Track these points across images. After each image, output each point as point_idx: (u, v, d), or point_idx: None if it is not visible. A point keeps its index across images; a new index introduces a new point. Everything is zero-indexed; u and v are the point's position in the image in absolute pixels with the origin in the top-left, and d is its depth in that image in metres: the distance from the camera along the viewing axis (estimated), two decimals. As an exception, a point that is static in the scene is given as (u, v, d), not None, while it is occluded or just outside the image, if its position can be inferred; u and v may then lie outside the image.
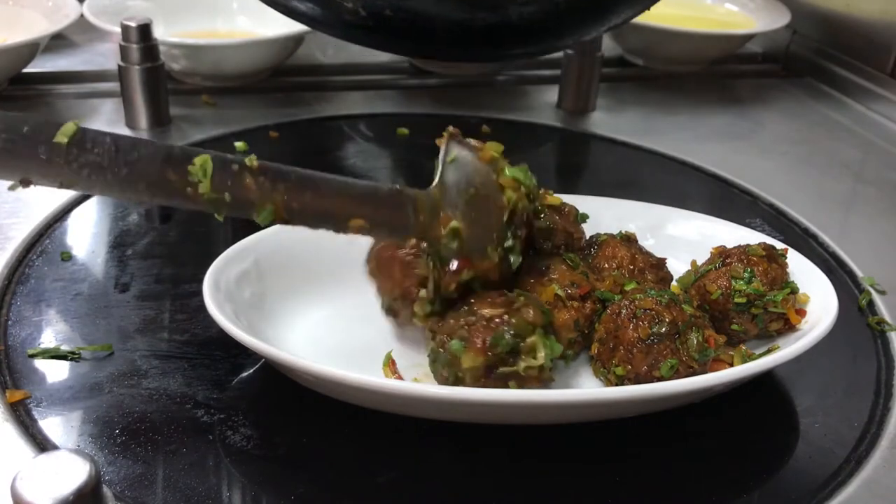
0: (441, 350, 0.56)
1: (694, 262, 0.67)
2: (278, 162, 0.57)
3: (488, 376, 0.54)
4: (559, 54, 1.06)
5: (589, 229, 0.70)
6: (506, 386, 0.54)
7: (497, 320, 0.55)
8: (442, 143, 0.60)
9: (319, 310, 0.65)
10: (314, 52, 1.21)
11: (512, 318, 0.55)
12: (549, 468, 0.55)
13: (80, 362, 0.61)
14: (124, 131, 0.97)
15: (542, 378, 0.54)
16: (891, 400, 0.62)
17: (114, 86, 1.01)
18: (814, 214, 0.86)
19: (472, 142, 0.61)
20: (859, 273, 0.77)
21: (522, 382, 0.54)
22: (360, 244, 0.65)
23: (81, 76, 1.11)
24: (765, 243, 0.65)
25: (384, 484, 0.53)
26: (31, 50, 1.00)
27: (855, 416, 0.60)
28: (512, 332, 0.54)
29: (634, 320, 0.57)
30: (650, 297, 0.58)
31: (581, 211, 0.70)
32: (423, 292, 0.59)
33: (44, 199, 0.81)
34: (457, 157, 0.59)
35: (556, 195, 0.69)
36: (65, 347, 0.62)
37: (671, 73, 1.23)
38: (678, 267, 0.68)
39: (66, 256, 0.73)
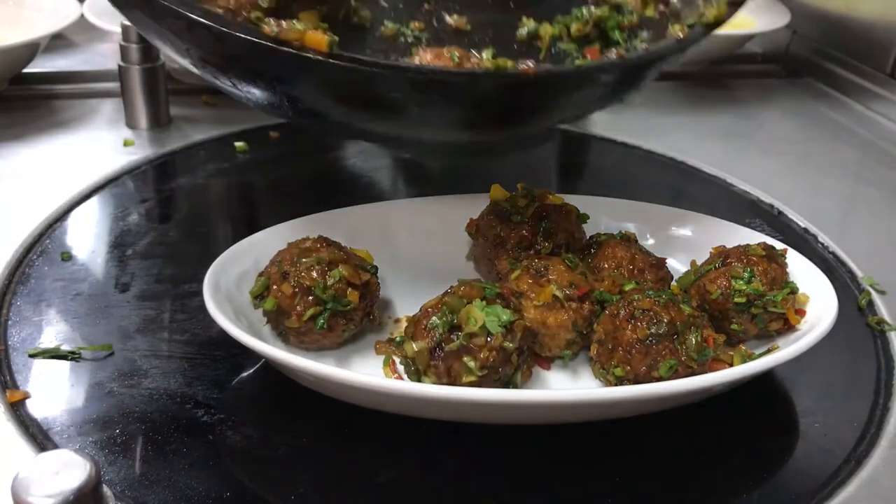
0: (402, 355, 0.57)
1: (694, 262, 0.67)
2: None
3: (437, 357, 0.54)
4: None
5: (589, 229, 0.70)
6: (461, 364, 0.54)
7: (434, 307, 0.56)
8: None
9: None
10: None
11: (445, 300, 0.56)
12: (549, 468, 0.55)
13: (80, 362, 0.61)
14: (124, 131, 0.97)
15: (492, 346, 0.54)
16: (891, 400, 0.62)
17: (114, 86, 1.01)
18: (814, 214, 0.86)
19: None
20: (859, 273, 0.77)
21: (475, 354, 0.54)
22: (359, 245, 0.65)
23: (81, 76, 1.11)
24: (765, 243, 0.65)
25: (384, 484, 0.53)
26: (31, 50, 1.00)
27: (855, 416, 0.60)
28: (446, 310, 0.55)
29: (633, 321, 0.57)
30: (648, 297, 0.58)
31: (581, 211, 0.70)
32: None
33: (44, 199, 0.81)
34: None
35: (556, 195, 0.69)
36: (65, 347, 0.62)
37: (671, 74, 1.23)
38: (678, 267, 0.68)
39: (66, 256, 0.73)
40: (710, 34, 0.68)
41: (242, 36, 0.54)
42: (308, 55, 0.54)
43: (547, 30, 0.71)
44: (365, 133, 0.69)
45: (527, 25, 0.72)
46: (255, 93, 0.61)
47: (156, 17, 0.58)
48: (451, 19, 0.74)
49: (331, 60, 0.54)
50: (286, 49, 0.54)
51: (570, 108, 0.68)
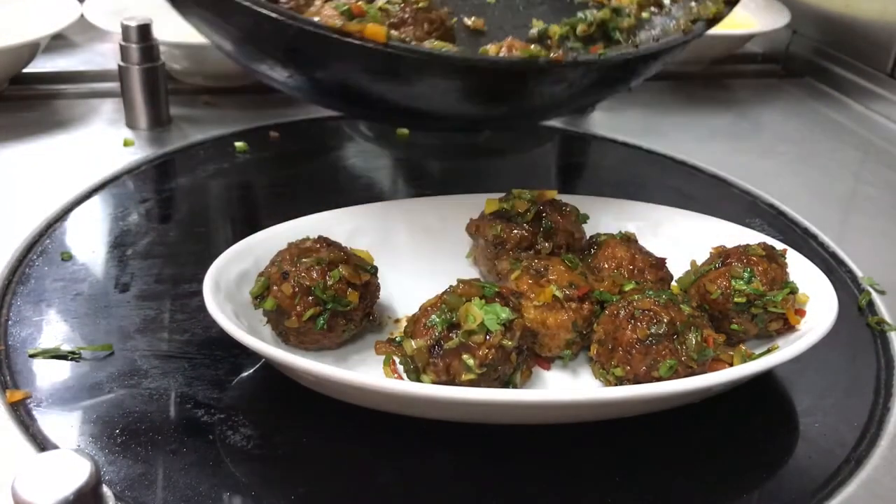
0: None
1: (694, 262, 0.67)
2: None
3: (435, 355, 0.54)
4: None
5: (589, 229, 0.70)
6: (460, 362, 0.54)
7: (433, 306, 0.56)
8: None
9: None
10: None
11: (444, 298, 0.56)
12: (550, 468, 0.55)
13: (80, 362, 0.61)
14: (124, 131, 0.97)
15: (491, 344, 0.54)
16: (891, 400, 0.62)
17: (114, 86, 1.01)
18: (814, 214, 0.86)
19: None
20: (859, 273, 0.77)
21: (474, 352, 0.54)
22: (359, 245, 0.65)
23: (81, 76, 1.11)
24: (765, 243, 0.65)
25: (384, 484, 0.53)
26: (31, 50, 1.00)
27: (855, 416, 0.60)
28: (445, 308, 0.55)
29: (633, 321, 0.57)
30: (648, 297, 0.58)
31: (581, 211, 0.70)
32: None
33: (44, 199, 0.81)
34: None
35: (550, 190, 0.69)
36: (65, 347, 0.62)
37: (671, 73, 1.23)
38: (678, 267, 0.68)
39: (66, 256, 0.73)
40: (710, 28, 0.80)
41: (309, 28, 0.63)
42: (369, 45, 0.63)
43: (555, 30, 0.77)
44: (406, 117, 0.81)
45: (537, 26, 0.77)
46: (318, 82, 0.73)
47: (223, 15, 0.68)
48: (468, 21, 0.80)
49: (388, 50, 0.64)
50: (349, 39, 0.63)
51: (590, 94, 0.81)
